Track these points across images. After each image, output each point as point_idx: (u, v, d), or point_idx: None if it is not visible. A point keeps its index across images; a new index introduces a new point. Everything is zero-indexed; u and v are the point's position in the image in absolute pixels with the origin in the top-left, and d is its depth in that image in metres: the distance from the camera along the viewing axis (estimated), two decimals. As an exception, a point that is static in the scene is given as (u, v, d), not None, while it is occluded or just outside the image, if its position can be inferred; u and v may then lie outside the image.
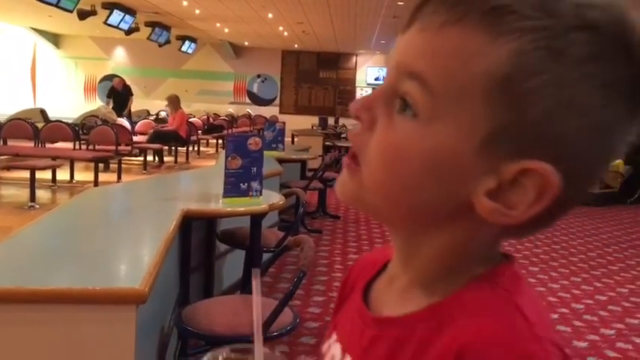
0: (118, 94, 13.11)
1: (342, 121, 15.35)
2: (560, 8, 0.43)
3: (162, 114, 14.16)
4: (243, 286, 3.20)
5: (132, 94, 13.59)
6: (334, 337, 0.59)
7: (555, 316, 3.74)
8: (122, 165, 8.58)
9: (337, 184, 0.51)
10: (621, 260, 5.30)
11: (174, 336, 2.55)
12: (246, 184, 2.87)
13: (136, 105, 14.89)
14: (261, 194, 2.90)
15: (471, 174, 0.45)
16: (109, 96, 13.18)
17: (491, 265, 0.49)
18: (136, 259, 1.89)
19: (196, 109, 17.26)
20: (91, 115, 11.67)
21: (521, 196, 0.44)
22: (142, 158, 9.75)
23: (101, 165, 8.27)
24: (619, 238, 6.30)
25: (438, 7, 0.45)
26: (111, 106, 12.46)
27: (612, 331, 3.55)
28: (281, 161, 5.30)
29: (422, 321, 0.48)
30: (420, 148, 0.45)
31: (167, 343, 2.27)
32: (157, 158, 10.60)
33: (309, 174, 6.41)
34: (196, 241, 3.14)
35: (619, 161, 8.70)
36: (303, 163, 6.60)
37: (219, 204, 2.79)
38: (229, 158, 2.82)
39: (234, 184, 2.83)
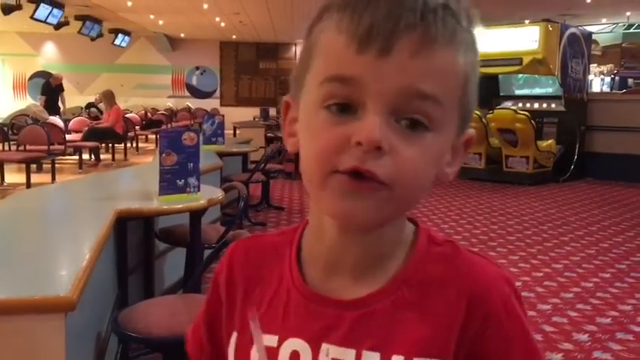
0: (53, 91, 12.55)
1: (283, 111, 15.24)
2: (474, 18, 0.56)
3: (94, 109, 13.63)
4: (185, 285, 3.14)
5: (62, 90, 13.07)
6: (274, 338, 0.59)
7: (495, 294, 3.85)
8: (56, 165, 8.26)
9: (359, 214, 0.53)
10: (555, 237, 5.51)
11: (114, 340, 2.47)
12: (182, 180, 2.81)
13: (70, 102, 14.37)
14: (199, 190, 2.84)
15: (446, 157, 0.58)
16: (43, 93, 12.58)
17: (406, 224, 0.62)
18: (65, 265, 1.81)
19: (133, 103, 16.82)
20: (21, 115, 11.19)
21: (459, 157, 0.59)
22: (77, 157, 9.43)
23: (34, 166, 7.94)
24: (553, 215, 6.55)
25: (427, 32, 0.52)
26: (42, 104, 11.94)
27: (548, 306, 3.69)
28: (222, 155, 5.22)
29: (405, 283, 0.58)
30: (436, 154, 0.56)
31: (105, 349, 2.20)
32: (93, 156, 10.27)
33: (252, 166, 6.36)
34: (134, 241, 3.06)
35: (551, 141, 9.04)
36: (245, 155, 6.54)
37: (155, 202, 2.72)
38: (164, 155, 2.75)
39: (170, 181, 2.76)
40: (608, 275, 4.35)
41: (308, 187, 0.57)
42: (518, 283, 4.07)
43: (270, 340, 0.60)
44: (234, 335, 0.63)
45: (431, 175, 0.56)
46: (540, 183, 8.64)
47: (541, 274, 4.34)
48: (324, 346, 0.57)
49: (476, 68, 0.56)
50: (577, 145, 9.21)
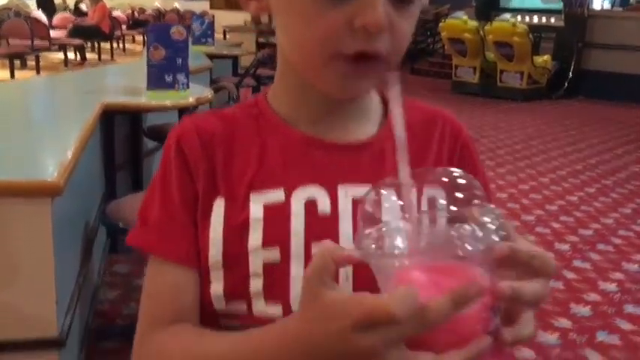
0: None
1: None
2: None
3: (83, 7, 13.12)
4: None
5: None
6: (278, 191, 0.58)
7: (480, 204, 3.91)
8: (41, 62, 8.04)
9: (360, 92, 0.60)
10: (544, 152, 5.54)
11: (102, 233, 2.49)
12: (171, 76, 2.73)
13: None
14: (188, 87, 2.78)
15: None
16: None
17: None
18: (51, 153, 1.78)
19: (120, 2, 16.19)
20: (4, 8, 10.75)
21: None
22: (62, 55, 9.17)
23: (17, 63, 7.74)
24: (543, 131, 6.55)
25: None
26: None
27: (532, 217, 3.75)
28: (211, 57, 5.08)
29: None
30: (415, 21, 0.57)
31: (93, 239, 2.21)
32: (78, 55, 9.99)
33: (242, 71, 6.21)
34: (122, 137, 3.02)
35: (547, 57, 8.90)
36: (235, 59, 6.37)
37: (143, 98, 2.66)
38: (151, 49, 2.66)
39: (159, 76, 2.69)
40: (593, 190, 4.41)
41: (301, 68, 0.58)
42: (504, 195, 4.14)
43: (275, 195, 0.58)
44: (221, 201, 0.59)
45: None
46: (533, 99, 8.59)
47: (527, 187, 4.39)
48: (341, 187, 0.59)
49: None
50: (573, 62, 9.08)
